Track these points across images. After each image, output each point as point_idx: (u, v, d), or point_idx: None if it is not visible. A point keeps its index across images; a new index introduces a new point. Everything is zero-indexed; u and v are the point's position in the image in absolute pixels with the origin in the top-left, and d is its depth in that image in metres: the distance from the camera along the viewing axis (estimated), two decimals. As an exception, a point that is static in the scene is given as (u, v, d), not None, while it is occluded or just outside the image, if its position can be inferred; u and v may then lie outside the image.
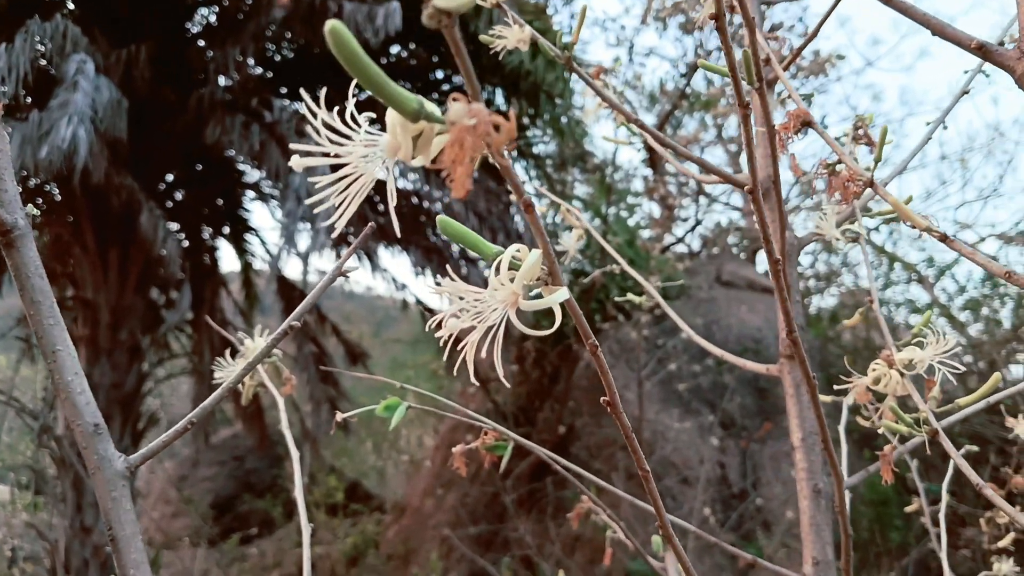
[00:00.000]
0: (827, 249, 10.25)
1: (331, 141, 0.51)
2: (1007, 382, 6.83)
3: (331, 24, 0.46)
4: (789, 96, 1.40)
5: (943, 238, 1.14)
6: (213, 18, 7.16)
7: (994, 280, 7.96)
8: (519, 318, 0.61)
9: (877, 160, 1.24)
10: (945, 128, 1.68)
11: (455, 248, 7.76)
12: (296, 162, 0.52)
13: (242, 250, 8.36)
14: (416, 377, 11.13)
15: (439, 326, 0.61)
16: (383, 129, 0.52)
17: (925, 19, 1.12)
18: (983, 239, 9.34)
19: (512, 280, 0.59)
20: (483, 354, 0.61)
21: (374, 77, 0.47)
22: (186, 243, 7.56)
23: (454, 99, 0.47)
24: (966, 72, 1.77)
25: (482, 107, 0.46)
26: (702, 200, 10.30)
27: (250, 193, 8.22)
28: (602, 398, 0.75)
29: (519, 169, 7.89)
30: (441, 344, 0.61)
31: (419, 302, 8.42)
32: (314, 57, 7.21)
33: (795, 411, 1.37)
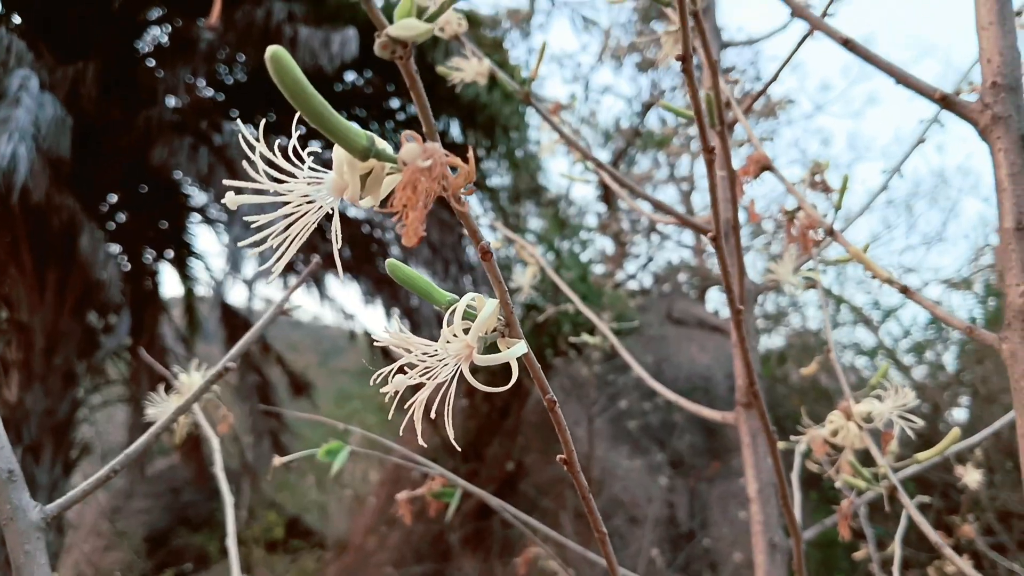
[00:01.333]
0: (776, 289, 10.36)
1: (271, 178, 0.46)
2: (948, 424, 6.93)
3: (272, 50, 0.41)
4: (748, 140, 1.38)
5: (903, 289, 1.12)
6: (165, 38, 7.05)
7: (938, 324, 8.11)
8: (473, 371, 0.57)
9: (837, 208, 1.23)
10: (901, 176, 1.68)
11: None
12: (231, 200, 0.47)
13: (185, 275, 8.17)
14: (363, 409, 10.95)
15: (385, 381, 0.56)
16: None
17: (889, 67, 1.11)
18: (927, 284, 9.52)
19: (466, 331, 0.54)
20: (432, 414, 0.56)
21: (318, 109, 0.42)
22: (127, 267, 7.36)
23: (407, 138, 0.42)
24: (921, 121, 1.78)
25: (438, 147, 0.42)
26: (654, 238, 10.37)
27: (196, 217, 8.06)
28: (559, 456, 0.70)
29: (473, 201, 7.87)
30: (387, 400, 0.56)
31: (367, 332, 8.31)
32: (268, 81, 7.10)
33: (751, 461, 1.34)
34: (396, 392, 0.55)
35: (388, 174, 0.46)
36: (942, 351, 8.70)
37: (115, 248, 7.04)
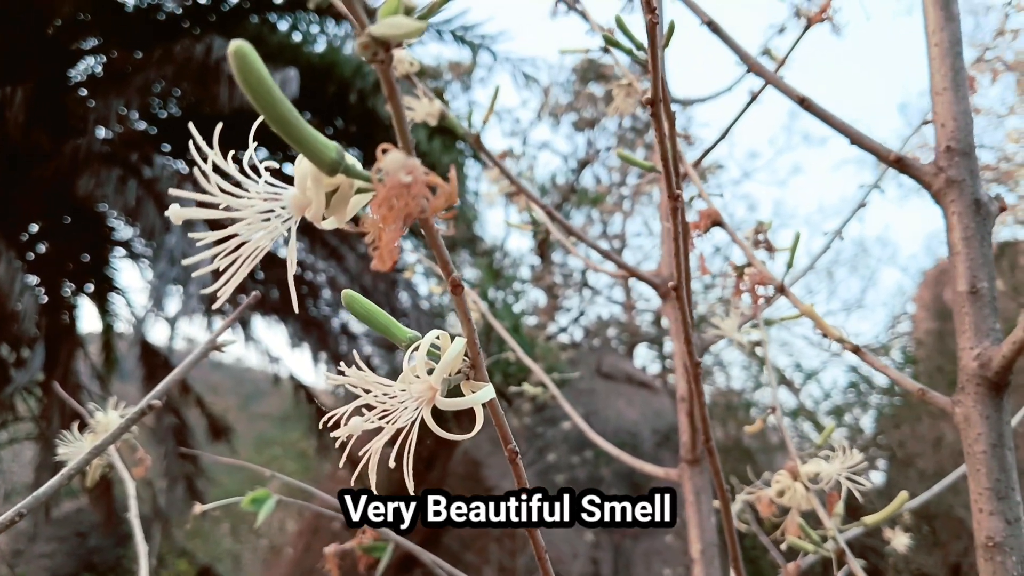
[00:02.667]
0: (702, 347, 10.49)
1: (223, 191, 0.41)
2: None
3: (235, 45, 0.36)
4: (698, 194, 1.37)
5: (854, 349, 1.11)
6: (99, 68, 6.89)
7: (858, 388, 8.30)
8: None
9: (789, 265, 1.22)
10: (842, 239, 1.70)
11: (335, 322, 7.56)
12: (175, 213, 0.42)
13: (105, 310, 7.89)
14: (284, 456, 10.66)
15: (335, 424, 0.51)
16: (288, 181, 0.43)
17: (844, 128, 1.11)
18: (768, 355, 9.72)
19: (430, 372, 0.49)
20: (391, 463, 0.51)
21: (284, 114, 0.38)
22: (44, 299, 7.08)
23: (384, 149, 0.38)
24: (862, 186, 1.81)
25: (418, 163, 0.38)
26: (585, 292, 10.44)
27: (119, 251, 7.81)
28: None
29: (406, 246, 7.81)
30: (337, 446, 0.51)
31: (292, 376, 8.11)
32: (203, 116, 7.00)
33: (695, 520, 1.30)
34: (348, 437, 0.50)
35: (357, 192, 0.41)
36: (860, 414, 8.90)
37: (32, 279, 6.77)
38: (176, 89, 6.64)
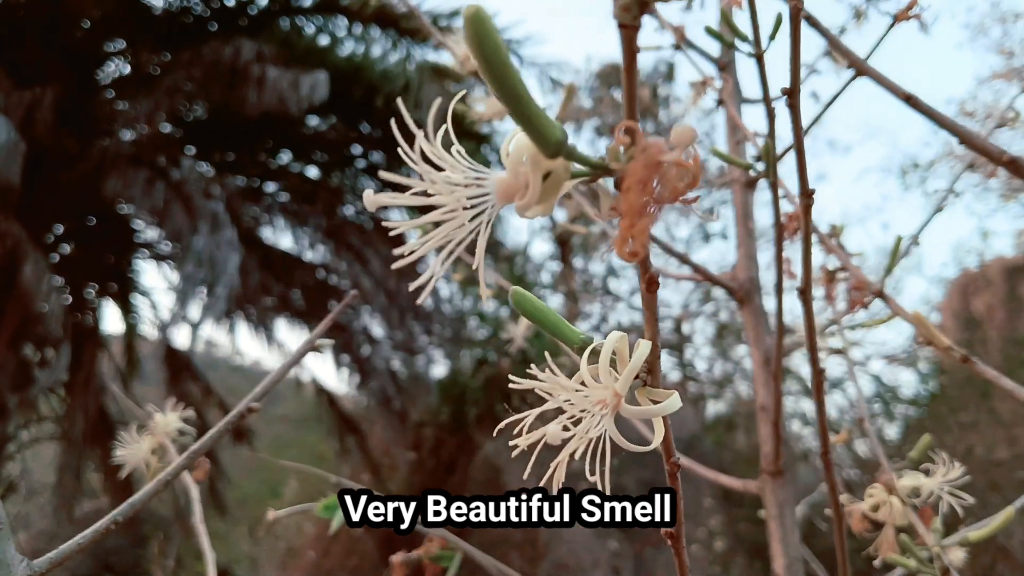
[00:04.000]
0: (723, 356, 10.42)
1: (431, 177, 0.37)
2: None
3: (471, 9, 0.33)
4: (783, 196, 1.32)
5: (965, 359, 1.06)
6: (127, 70, 6.90)
7: (884, 398, 8.20)
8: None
9: (889, 270, 1.17)
10: (918, 245, 1.65)
11: (358, 326, 7.53)
12: (371, 200, 0.38)
13: (128, 312, 7.89)
14: (301, 459, 10.63)
15: (515, 431, 0.47)
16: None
17: (953, 127, 1.07)
18: (869, 358, 9.63)
19: (614, 377, 0.45)
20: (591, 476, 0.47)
21: (516, 88, 0.34)
22: (68, 300, 7.08)
23: (627, 129, 0.34)
24: (935, 191, 1.76)
25: (662, 143, 0.34)
26: (606, 299, 10.38)
27: (142, 253, 7.81)
28: (664, 530, 0.61)
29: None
30: (515, 454, 0.46)
31: (315, 380, 8.09)
32: (229, 120, 7.00)
33: (778, 534, 1.26)
34: (535, 443, 0.46)
35: (575, 177, 0.37)
36: (883, 424, 8.79)
37: (58, 280, 6.78)
38: (205, 91, 6.63)
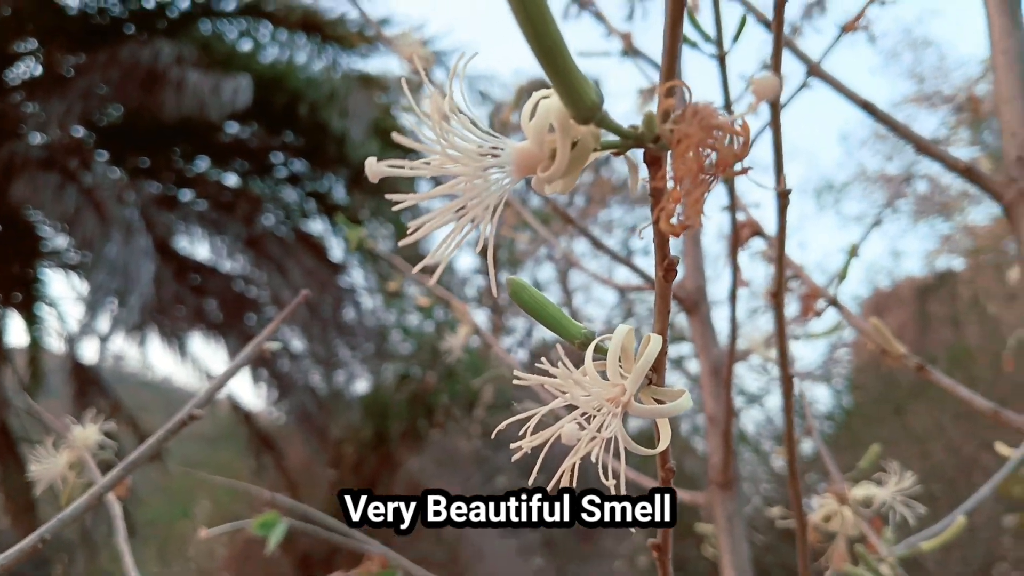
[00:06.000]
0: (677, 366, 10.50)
1: (444, 143, 0.33)
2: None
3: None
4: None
5: (919, 368, 1.06)
6: (39, 70, 6.61)
7: (801, 414, 8.37)
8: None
9: (842, 277, 1.17)
10: (857, 256, 1.66)
11: (281, 339, 7.33)
12: (374, 169, 0.33)
13: (33, 323, 7.52)
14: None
15: (523, 430, 0.42)
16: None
17: (911, 135, 1.07)
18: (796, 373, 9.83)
19: (623, 375, 0.41)
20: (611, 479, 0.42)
21: (553, 34, 0.29)
22: (-32, 310, 6.74)
23: (669, 89, 0.30)
24: (885, 205, 1.78)
25: (713, 106, 0.30)
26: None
27: (50, 261, 7.48)
28: (650, 540, 0.57)
29: (353, 261, 7.65)
30: (518, 454, 0.42)
31: (229, 396, 7.84)
32: (146, 124, 6.77)
33: (727, 545, 1.24)
34: (546, 442, 0.42)
35: (604, 149, 0.34)
36: (801, 439, 8.97)
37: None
38: (120, 95, 6.40)
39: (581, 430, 0.40)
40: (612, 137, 0.34)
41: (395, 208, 0.37)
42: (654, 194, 0.32)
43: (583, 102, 0.31)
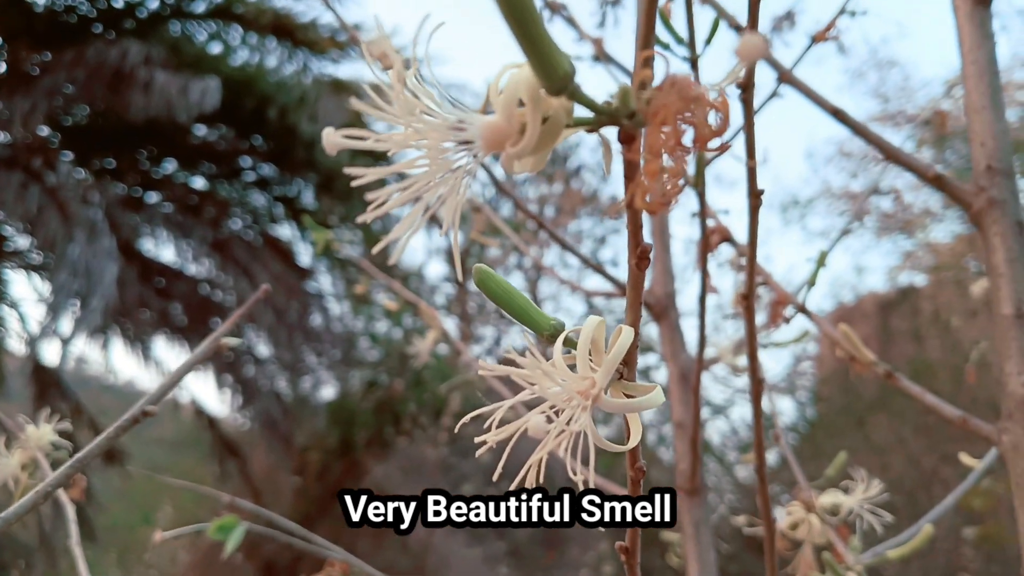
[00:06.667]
0: (644, 376, 10.51)
1: (408, 114, 0.31)
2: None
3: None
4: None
5: (888, 375, 1.06)
6: (2, 68, 6.49)
7: (765, 424, 8.44)
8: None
9: (811, 284, 1.17)
10: (825, 266, 1.66)
11: (242, 344, 7.25)
12: (331, 140, 0.32)
13: (-8, 324, 7.37)
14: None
15: (487, 423, 0.41)
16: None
17: (880, 142, 1.07)
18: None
19: (592, 367, 0.40)
20: (576, 474, 0.41)
21: (525, 2, 0.28)
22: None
23: (648, 60, 0.28)
24: (841, 215, 1.79)
25: (691, 78, 0.29)
26: (501, 323, 10.36)
27: (11, 262, 7.33)
28: (618, 544, 0.56)
29: (320, 269, 7.59)
30: (483, 449, 0.40)
31: (193, 401, 7.74)
32: (112, 125, 6.67)
33: (695, 553, 1.23)
34: (506, 439, 0.40)
35: (576, 126, 0.32)
36: (768, 448, 9.04)
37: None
38: (86, 94, 6.31)
39: (549, 423, 0.38)
40: (587, 114, 0.33)
41: (364, 204, 0.36)
42: (628, 171, 0.30)
43: (555, 72, 0.30)
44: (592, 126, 0.33)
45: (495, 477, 0.43)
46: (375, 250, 0.35)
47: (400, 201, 0.33)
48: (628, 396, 0.43)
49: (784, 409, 9.87)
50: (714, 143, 0.29)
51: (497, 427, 0.40)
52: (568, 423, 0.38)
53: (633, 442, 0.43)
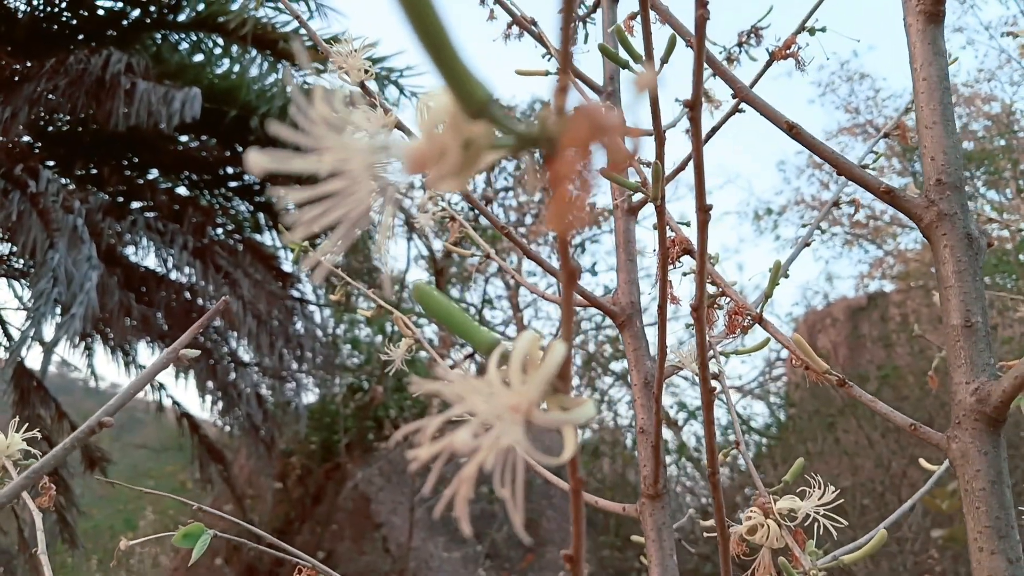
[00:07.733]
0: (590, 386, 10.54)
1: (327, 135, 0.33)
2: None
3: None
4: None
5: (841, 383, 1.09)
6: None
7: (737, 428, 8.51)
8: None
9: (768, 296, 1.19)
10: (787, 276, 1.69)
11: (224, 350, 7.25)
12: (256, 162, 0.34)
13: (-27, 330, 7.35)
14: (159, 488, 10.12)
15: (413, 439, 0.42)
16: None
17: (833, 157, 1.10)
18: (720, 391, 9.98)
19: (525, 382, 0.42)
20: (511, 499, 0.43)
21: (443, 33, 0.30)
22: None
23: (563, 88, 0.31)
24: (804, 225, 1.82)
25: (601, 106, 0.31)
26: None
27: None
28: (563, 552, 0.58)
29: (303, 273, 7.58)
30: (413, 465, 0.42)
31: (176, 406, 7.71)
32: (94, 132, 6.67)
33: (657, 558, 1.25)
34: (440, 457, 0.42)
35: (497, 148, 0.34)
36: (736, 454, 9.09)
37: None
38: (68, 102, 6.29)
39: (477, 439, 0.40)
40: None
41: (281, 197, 0.38)
42: (547, 194, 0.33)
43: (472, 97, 0.32)
44: (513, 148, 0.35)
45: (426, 489, 0.45)
46: (304, 265, 0.37)
47: (326, 223, 0.35)
48: (564, 410, 0.45)
49: (757, 413, 9.93)
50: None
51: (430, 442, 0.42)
52: (498, 438, 0.40)
53: (568, 454, 0.45)
